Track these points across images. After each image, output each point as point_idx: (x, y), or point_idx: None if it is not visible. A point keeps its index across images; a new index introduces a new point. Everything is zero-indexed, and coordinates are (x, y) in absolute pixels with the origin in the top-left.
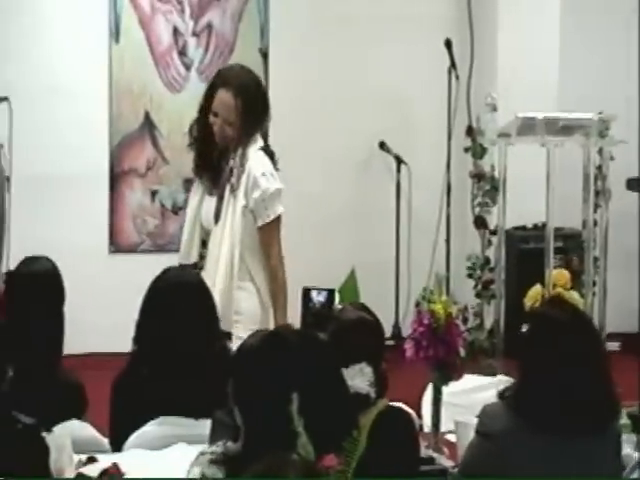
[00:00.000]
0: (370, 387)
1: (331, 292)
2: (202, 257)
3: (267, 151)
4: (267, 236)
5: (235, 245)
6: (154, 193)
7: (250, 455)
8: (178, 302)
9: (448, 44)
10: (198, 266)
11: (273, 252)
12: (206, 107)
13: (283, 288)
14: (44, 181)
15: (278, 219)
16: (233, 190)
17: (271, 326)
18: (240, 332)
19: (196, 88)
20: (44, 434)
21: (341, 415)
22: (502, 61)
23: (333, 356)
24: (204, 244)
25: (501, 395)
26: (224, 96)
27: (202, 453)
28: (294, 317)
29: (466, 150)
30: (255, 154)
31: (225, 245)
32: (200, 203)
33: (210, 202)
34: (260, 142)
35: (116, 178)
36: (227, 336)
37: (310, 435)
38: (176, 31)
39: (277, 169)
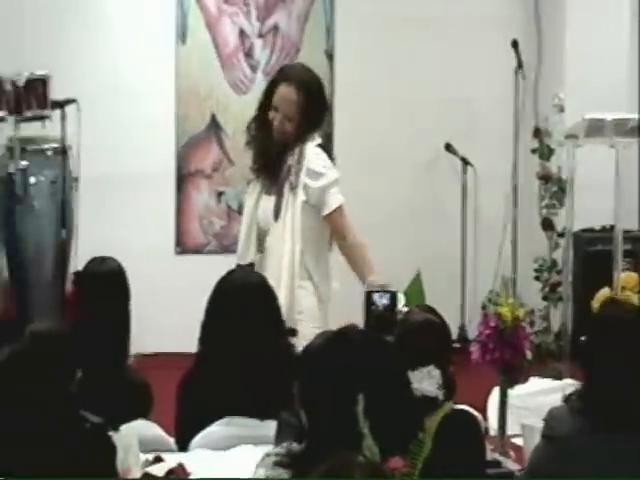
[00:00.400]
0: (438, 390)
1: (394, 294)
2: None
3: (324, 148)
4: (336, 220)
5: (297, 241)
6: (220, 194)
7: (315, 456)
8: (243, 303)
9: (515, 44)
10: (256, 266)
11: (347, 231)
12: (266, 104)
13: (366, 255)
14: (111, 182)
15: (341, 207)
16: (292, 187)
17: (329, 324)
18: (303, 330)
19: (262, 90)
20: (111, 433)
21: (407, 417)
22: (570, 61)
23: (399, 357)
24: (260, 244)
25: (567, 399)
26: (285, 91)
27: (267, 454)
28: (357, 320)
29: (533, 151)
30: (313, 150)
31: (287, 242)
32: (257, 203)
33: (267, 201)
34: (318, 140)
35: (182, 179)
36: (293, 332)
37: (375, 437)
38: (242, 32)
39: (334, 165)
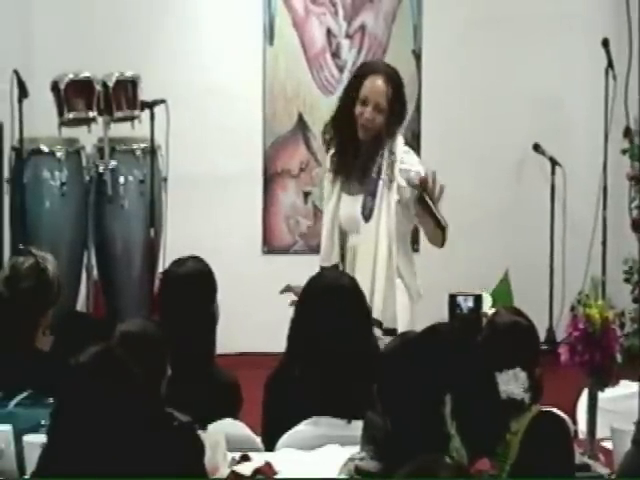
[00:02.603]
0: (524, 392)
1: (478, 297)
2: (342, 259)
3: (411, 147)
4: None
5: (393, 240)
6: (307, 194)
7: (400, 458)
8: (334, 304)
9: (605, 43)
10: (339, 268)
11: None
12: (351, 100)
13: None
14: (199, 181)
15: None
16: (387, 185)
17: (415, 325)
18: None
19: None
20: (199, 432)
21: (494, 419)
22: None
23: (486, 358)
24: (342, 245)
25: None
26: (375, 82)
27: (351, 459)
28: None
29: (623, 152)
30: (402, 148)
31: (382, 242)
32: (337, 204)
33: (351, 201)
34: (402, 139)
35: (270, 179)
36: (393, 332)
37: (462, 438)
38: (329, 33)
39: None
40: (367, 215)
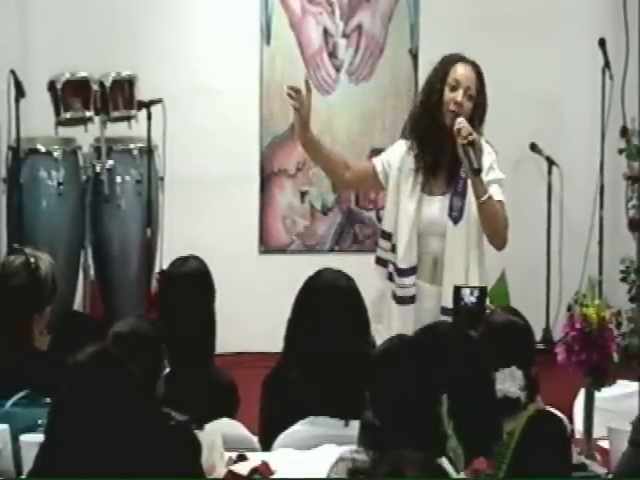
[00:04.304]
0: (520, 391)
1: (483, 290)
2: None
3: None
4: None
5: (482, 243)
6: (304, 194)
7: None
8: (330, 304)
9: (602, 43)
10: (417, 269)
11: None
12: (439, 89)
13: None
14: (196, 181)
15: (503, 203)
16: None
17: None
18: None
19: (346, 90)
20: (196, 431)
21: (491, 418)
22: None
23: (484, 357)
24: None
25: None
26: (465, 68)
27: (342, 458)
28: None
29: (620, 151)
30: (487, 148)
31: (474, 247)
32: (419, 206)
33: (433, 203)
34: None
35: (266, 179)
36: None
37: (458, 437)
38: (326, 32)
39: None
40: (456, 217)
